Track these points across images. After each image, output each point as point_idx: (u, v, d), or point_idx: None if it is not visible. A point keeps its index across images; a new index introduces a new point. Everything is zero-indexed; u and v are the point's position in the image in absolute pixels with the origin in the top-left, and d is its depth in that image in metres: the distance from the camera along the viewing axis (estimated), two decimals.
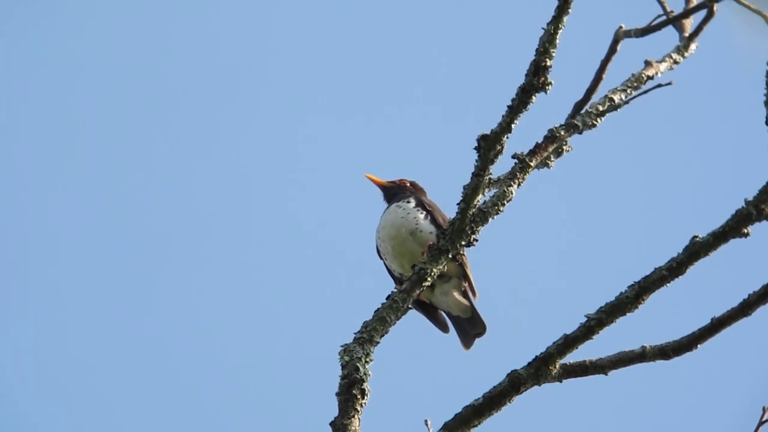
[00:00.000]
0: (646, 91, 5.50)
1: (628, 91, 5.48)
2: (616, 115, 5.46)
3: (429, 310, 6.60)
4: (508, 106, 4.94)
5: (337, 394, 4.93)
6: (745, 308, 4.71)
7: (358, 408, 4.90)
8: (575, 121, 5.38)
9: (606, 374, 4.88)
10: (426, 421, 5.03)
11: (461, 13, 10.74)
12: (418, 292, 5.12)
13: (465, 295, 6.52)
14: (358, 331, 5.06)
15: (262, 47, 11.25)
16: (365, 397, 4.92)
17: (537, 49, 4.91)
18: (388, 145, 10.17)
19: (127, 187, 10.45)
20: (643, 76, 5.53)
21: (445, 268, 5.19)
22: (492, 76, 10.07)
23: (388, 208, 6.67)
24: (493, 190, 5.22)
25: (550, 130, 5.36)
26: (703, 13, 5.44)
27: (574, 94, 5.43)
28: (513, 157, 5.27)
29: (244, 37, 11.25)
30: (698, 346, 4.80)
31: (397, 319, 5.09)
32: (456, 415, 4.84)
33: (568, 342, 4.84)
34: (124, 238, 10.15)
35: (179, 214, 10.29)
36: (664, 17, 5.42)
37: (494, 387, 4.85)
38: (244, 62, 11.07)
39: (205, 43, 11.15)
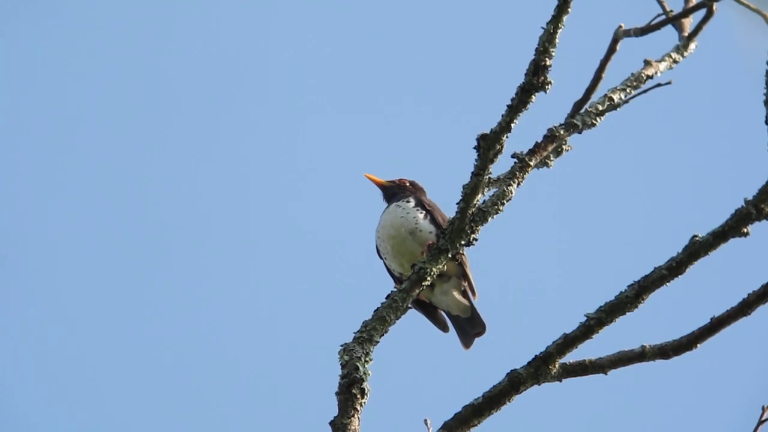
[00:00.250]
0: (645, 91, 5.50)
1: (628, 90, 5.48)
2: (615, 114, 5.46)
3: (429, 310, 6.60)
4: (507, 106, 4.94)
5: (337, 394, 4.93)
6: (744, 308, 4.71)
7: (358, 407, 4.90)
8: (575, 121, 5.38)
9: (606, 374, 4.88)
10: (426, 420, 5.03)
11: (462, 13, 10.74)
12: (417, 291, 5.12)
13: (465, 294, 6.52)
14: (358, 331, 5.06)
15: (263, 47, 11.25)
16: (365, 397, 4.92)
17: (536, 49, 4.91)
18: (388, 145, 10.17)
19: (128, 187, 10.45)
20: (643, 75, 5.53)
21: (445, 267, 5.19)
22: (492, 76, 10.08)
23: (387, 207, 6.66)
24: (493, 190, 5.22)
25: (550, 130, 5.36)
26: (702, 12, 5.44)
27: (573, 93, 5.43)
28: (512, 156, 5.27)
29: (245, 37, 11.25)
30: (698, 345, 4.80)
31: (397, 319, 5.09)
32: (456, 414, 4.84)
33: (568, 341, 4.84)
34: (125, 238, 10.15)
35: (179, 214, 10.29)
36: (663, 17, 5.42)
37: (494, 386, 4.85)
38: (244, 62, 11.07)
39: (205, 44, 11.15)
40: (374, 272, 6.68)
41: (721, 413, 7.44)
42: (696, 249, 4.75)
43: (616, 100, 5.44)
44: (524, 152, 5.29)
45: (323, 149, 10.58)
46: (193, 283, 9.89)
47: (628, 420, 8.45)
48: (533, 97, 4.92)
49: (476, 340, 6.56)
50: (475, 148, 4.99)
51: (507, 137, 4.96)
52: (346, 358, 4.98)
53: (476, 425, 4.84)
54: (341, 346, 5.03)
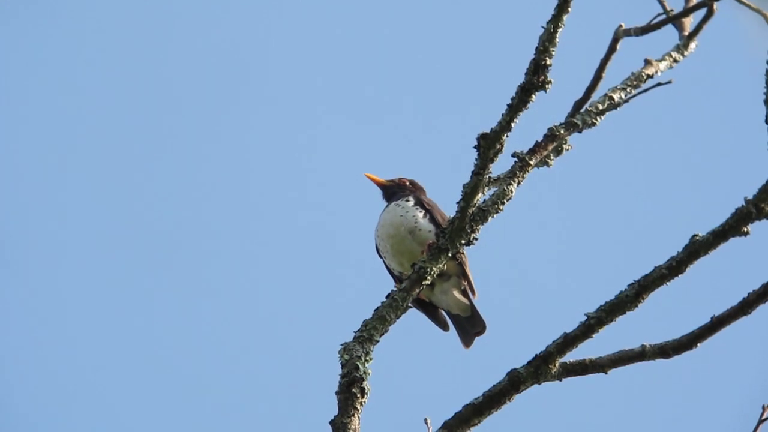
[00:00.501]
0: (645, 90, 5.50)
1: (628, 89, 5.49)
2: (615, 113, 5.46)
3: (429, 309, 6.60)
4: (508, 105, 4.94)
5: (337, 393, 4.93)
6: (744, 307, 4.72)
7: (358, 406, 4.90)
8: (575, 120, 5.38)
9: (606, 373, 4.88)
10: (426, 419, 5.03)
11: (462, 12, 10.74)
12: (417, 290, 5.12)
13: (465, 293, 6.52)
14: (358, 330, 5.06)
15: (265, 48, 11.25)
16: (365, 396, 4.92)
17: (537, 48, 4.91)
18: (388, 144, 10.17)
19: (131, 187, 10.45)
20: (643, 74, 5.53)
21: (445, 266, 5.19)
22: (492, 75, 10.08)
23: (387, 207, 6.66)
24: (493, 189, 5.22)
25: (550, 129, 5.36)
26: (702, 11, 5.44)
27: (573, 92, 5.43)
28: (513, 155, 5.27)
29: (247, 38, 11.25)
30: (698, 344, 4.80)
31: (397, 318, 5.09)
32: (456, 413, 4.84)
33: (568, 341, 4.84)
34: (126, 237, 10.15)
35: (180, 214, 10.29)
36: (663, 16, 5.42)
37: (494, 386, 4.85)
38: (246, 63, 11.07)
39: (208, 45, 11.15)
40: (374, 271, 6.68)
41: (721, 412, 7.44)
42: (696, 248, 4.75)
43: (616, 100, 5.45)
44: (524, 151, 5.29)
45: (323, 149, 10.58)
46: (193, 283, 9.89)
47: (628, 419, 8.46)
48: (533, 96, 4.92)
49: (476, 339, 6.56)
50: (475, 147, 4.99)
51: (507, 136, 4.96)
52: (346, 357, 4.98)
53: (476, 424, 4.84)
54: (341, 345, 5.03)
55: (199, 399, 9.21)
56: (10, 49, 10.76)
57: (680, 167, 9.70)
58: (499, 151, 4.97)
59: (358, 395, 4.91)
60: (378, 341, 5.04)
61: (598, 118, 5.41)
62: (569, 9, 4.90)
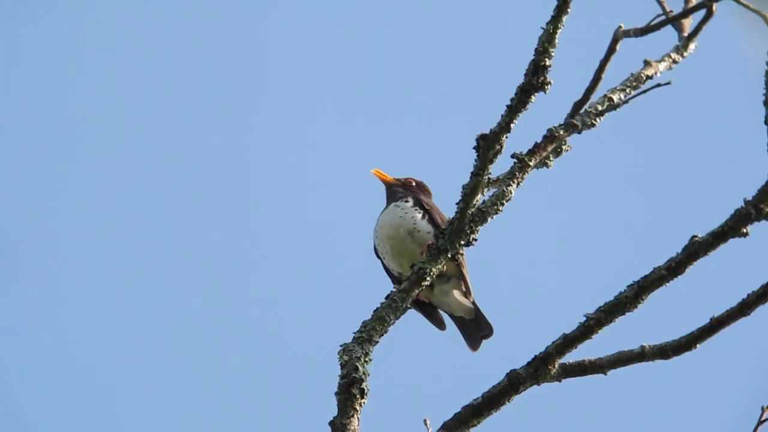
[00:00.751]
0: (645, 91, 5.50)
1: (627, 90, 5.48)
2: (615, 114, 5.47)
3: (426, 309, 6.59)
4: (507, 106, 4.94)
5: (336, 394, 4.93)
6: (744, 308, 4.72)
7: (357, 408, 4.90)
8: (574, 121, 5.38)
9: (605, 374, 4.88)
10: (425, 420, 5.03)
11: (462, 13, 10.74)
12: (417, 291, 5.12)
13: (466, 295, 6.51)
14: (357, 331, 5.06)
15: (265, 48, 11.25)
16: (364, 397, 4.92)
17: (536, 49, 4.91)
18: (387, 145, 10.17)
19: (131, 187, 10.45)
20: (642, 75, 5.53)
21: (444, 267, 5.18)
22: (491, 76, 10.08)
23: (386, 207, 6.66)
24: (492, 190, 5.22)
25: (549, 130, 5.36)
26: (702, 12, 5.44)
27: (573, 93, 5.43)
28: (512, 156, 5.27)
29: (248, 38, 11.25)
30: (697, 345, 4.80)
31: (396, 319, 5.09)
32: (455, 414, 4.84)
33: (567, 341, 4.84)
34: (127, 238, 10.15)
35: (180, 215, 10.29)
36: (663, 17, 5.42)
37: (493, 387, 4.85)
38: (247, 63, 11.07)
39: (208, 45, 11.15)
40: (374, 272, 6.68)
41: (721, 413, 7.44)
42: (695, 249, 4.75)
43: (615, 101, 5.45)
44: (524, 152, 5.28)
45: (322, 149, 10.58)
46: (193, 284, 9.89)
47: (627, 420, 8.45)
48: (533, 97, 4.92)
49: (483, 342, 6.55)
50: (474, 148, 4.99)
51: (506, 137, 4.96)
52: (345, 358, 4.98)
53: (476, 425, 4.84)
54: (341, 346, 5.03)
55: (199, 399, 9.21)
56: (10, 48, 10.76)
57: (680, 168, 9.70)
58: (499, 152, 4.97)
59: (358, 396, 4.91)
60: (377, 342, 5.04)
61: (597, 119, 5.41)
62: (569, 10, 4.90)
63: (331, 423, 4.89)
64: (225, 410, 9.09)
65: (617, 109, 5.46)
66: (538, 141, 5.33)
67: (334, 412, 4.91)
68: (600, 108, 5.42)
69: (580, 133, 5.40)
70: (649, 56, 5.59)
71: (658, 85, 5.49)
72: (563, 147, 5.43)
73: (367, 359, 4.98)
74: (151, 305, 9.75)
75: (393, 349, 5.25)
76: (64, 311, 9.67)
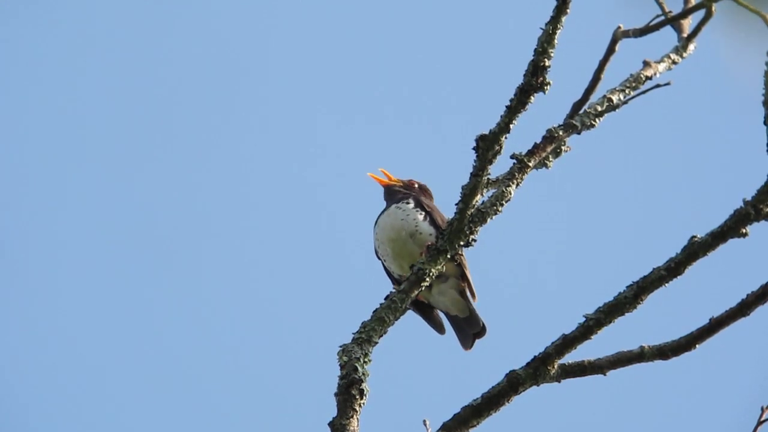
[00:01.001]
0: (644, 92, 5.50)
1: (627, 91, 5.48)
2: (614, 115, 5.46)
3: (426, 312, 6.60)
4: (506, 107, 4.94)
5: (336, 395, 4.93)
6: (743, 308, 4.72)
7: (357, 408, 4.90)
8: (573, 122, 5.38)
9: (604, 374, 4.88)
10: (425, 421, 5.03)
11: (462, 14, 10.74)
12: (416, 292, 5.12)
13: (462, 294, 6.52)
14: (357, 332, 5.06)
15: (267, 48, 11.25)
16: (364, 398, 4.92)
17: (535, 49, 4.91)
18: (386, 145, 10.17)
19: (131, 187, 10.45)
20: (642, 76, 5.53)
21: (444, 268, 5.18)
22: (490, 76, 10.08)
23: (387, 209, 6.65)
24: (492, 191, 5.22)
25: (549, 131, 5.36)
26: (701, 13, 5.44)
27: (572, 94, 5.43)
28: (511, 157, 5.27)
29: (248, 37, 11.25)
30: (697, 346, 4.80)
31: (396, 320, 5.09)
32: (455, 415, 4.84)
33: (567, 342, 4.84)
34: (128, 238, 10.15)
35: (182, 215, 10.29)
36: (662, 17, 5.42)
37: (493, 387, 4.85)
38: (247, 62, 11.07)
39: (208, 45, 11.15)
40: (373, 273, 6.68)
41: (720, 414, 7.44)
42: (695, 250, 4.75)
43: (615, 101, 5.45)
44: (523, 153, 5.28)
45: (322, 150, 10.58)
46: (193, 284, 9.89)
47: (627, 421, 8.45)
48: (532, 97, 4.92)
49: (477, 341, 6.56)
50: (473, 148, 4.99)
51: (506, 138, 4.96)
52: (344, 358, 4.98)
53: (475, 426, 4.84)
54: (340, 346, 5.03)
55: (199, 399, 9.21)
56: (10, 48, 10.76)
57: (679, 168, 9.70)
58: (498, 152, 4.97)
59: (357, 397, 4.91)
60: (377, 343, 5.04)
61: (596, 120, 5.41)
62: (568, 10, 4.90)
63: (330, 423, 4.89)
64: (225, 410, 9.09)
65: (616, 110, 5.46)
66: (538, 142, 5.33)
67: (334, 412, 4.91)
68: (599, 109, 5.42)
69: (579, 133, 5.40)
70: (648, 57, 5.59)
71: (658, 85, 5.49)
72: (562, 148, 5.43)
73: (366, 360, 4.98)
74: (151, 305, 9.76)
75: (392, 350, 5.26)
76: (64, 311, 9.68)
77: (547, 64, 4.90)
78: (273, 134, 10.80)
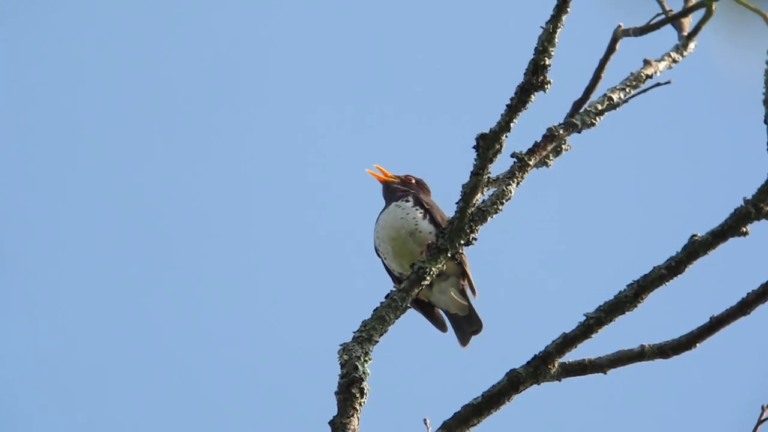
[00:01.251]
0: (644, 90, 5.50)
1: (627, 90, 5.48)
2: (614, 114, 5.46)
3: (427, 310, 6.60)
4: (507, 105, 4.94)
5: (336, 393, 4.93)
6: (743, 307, 4.72)
7: (357, 407, 4.90)
8: (574, 120, 5.38)
9: (605, 373, 4.88)
10: (425, 419, 5.03)
11: (462, 12, 10.74)
12: (417, 291, 5.12)
13: (463, 292, 6.52)
14: (357, 330, 5.06)
15: (266, 47, 11.25)
16: (364, 396, 4.92)
17: (536, 48, 4.91)
18: (386, 145, 10.17)
19: (131, 187, 10.45)
20: (642, 75, 5.53)
21: (444, 266, 5.18)
22: (491, 75, 10.07)
23: (386, 207, 6.65)
24: (492, 189, 5.22)
25: (549, 129, 5.35)
26: (701, 12, 5.44)
27: (572, 93, 5.43)
28: (512, 156, 5.27)
29: (248, 37, 11.25)
30: (697, 345, 4.80)
31: (396, 318, 5.09)
32: (455, 414, 4.84)
33: (567, 341, 4.84)
34: (128, 238, 10.15)
35: (182, 214, 10.29)
36: (663, 16, 5.41)
37: (493, 386, 4.85)
38: (248, 61, 11.07)
39: (208, 45, 11.15)
40: (374, 272, 6.68)
41: (721, 413, 7.44)
42: (695, 248, 4.75)
43: (615, 100, 5.44)
44: (523, 152, 5.28)
45: (322, 149, 10.58)
46: (193, 283, 9.89)
47: (627, 420, 8.45)
48: (532, 96, 4.92)
49: (474, 338, 6.56)
50: (474, 147, 4.98)
51: (506, 137, 4.96)
52: (345, 357, 4.98)
53: (476, 425, 4.84)
54: (340, 345, 5.03)
55: (199, 399, 9.21)
56: (9, 48, 10.76)
57: (679, 167, 9.70)
58: (498, 151, 4.97)
59: (358, 395, 4.91)
60: (377, 341, 5.04)
61: (597, 119, 5.41)
62: (568, 9, 4.89)
63: (331, 422, 4.89)
64: (225, 410, 9.09)
65: (617, 109, 5.46)
66: (538, 140, 5.33)
67: (334, 411, 4.91)
68: (600, 107, 5.42)
69: (579, 132, 5.40)
70: (648, 55, 5.59)
71: (658, 84, 5.49)
72: (563, 146, 5.43)
73: (367, 359, 4.98)
74: (151, 305, 9.75)
75: (393, 349, 5.26)
76: (64, 311, 9.68)
77: (547, 62, 4.90)
78: (273, 133, 10.80)
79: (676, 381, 8.19)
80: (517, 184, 5.22)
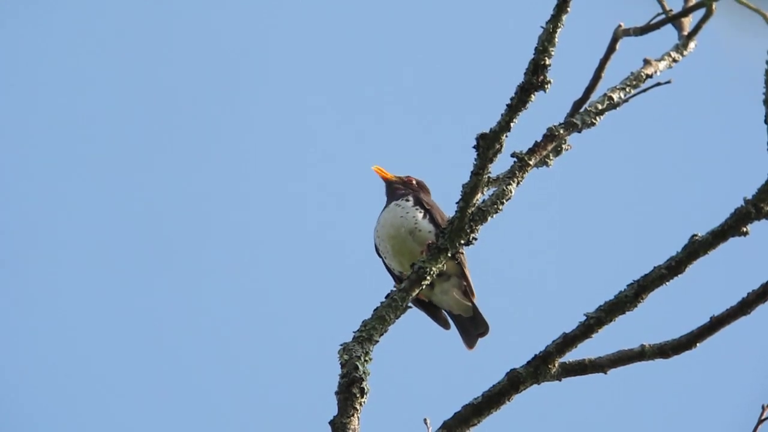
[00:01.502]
0: (645, 90, 5.49)
1: (627, 89, 5.48)
2: (615, 113, 5.46)
3: (429, 308, 6.60)
4: (507, 105, 4.94)
5: (337, 393, 4.93)
6: (744, 307, 4.72)
7: (358, 407, 4.90)
8: (574, 120, 5.38)
9: (605, 373, 4.88)
10: (425, 419, 5.03)
11: (462, 12, 10.74)
12: (417, 290, 5.12)
13: (465, 293, 6.52)
14: (358, 330, 5.06)
15: (266, 47, 11.25)
16: (364, 396, 4.92)
17: (536, 48, 4.91)
18: (386, 145, 10.17)
19: (131, 187, 10.45)
20: (642, 74, 5.53)
21: (445, 266, 5.18)
22: (491, 75, 10.07)
23: (387, 206, 6.66)
24: (492, 189, 5.22)
25: (549, 129, 5.35)
26: (702, 11, 5.44)
27: (573, 92, 5.43)
28: (512, 155, 5.27)
29: (248, 37, 11.26)
30: (697, 344, 4.80)
31: (397, 318, 5.09)
32: (455, 413, 4.84)
33: (568, 341, 4.84)
34: (128, 238, 10.15)
35: (182, 214, 10.29)
36: (663, 16, 5.41)
37: (493, 386, 4.85)
38: (248, 61, 11.07)
39: (207, 44, 11.15)
40: (374, 271, 6.68)
41: (721, 413, 7.44)
42: (695, 248, 4.75)
43: (615, 99, 5.44)
44: (524, 151, 5.28)
45: (322, 149, 10.58)
46: (193, 283, 9.89)
47: (628, 419, 8.46)
48: (533, 96, 4.92)
49: (480, 340, 6.56)
50: (474, 147, 4.98)
51: (506, 136, 4.96)
52: (345, 357, 4.98)
53: (476, 424, 4.84)
54: (341, 345, 5.03)
55: (199, 398, 9.21)
56: (9, 48, 10.76)
57: (680, 167, 9.70)
58: (499, 151, 4.97)
59: (358, 395, 4.91)
60: (377, 341, 5.04)
61: (597, 118, 5.41)
62: (568, 9, 4.89)
63: (331, 422, 4.89)
64: (225, 410, 9.09)
65: (617, 108, 5.46)
66: (538, 140, 5.33)
67: (334, 411, 4.91)
68: (600, 107, 5.41)
69: (580, 132, 5.40)
70: (649, 55, 5.59)
71: (658, 83, 5.49)
72: (563, 146, 5.43)
73: (367, 358, 4.98)
74: (152, 304, 9.75)
75: (393, 349, 5.25)
76: (64, 311, 9.68)
77: (547, 62, 4.90)
78: (273, 133, 10.80)
79: (676, 381, 8.20)
80: (518, 183, 5.22)
